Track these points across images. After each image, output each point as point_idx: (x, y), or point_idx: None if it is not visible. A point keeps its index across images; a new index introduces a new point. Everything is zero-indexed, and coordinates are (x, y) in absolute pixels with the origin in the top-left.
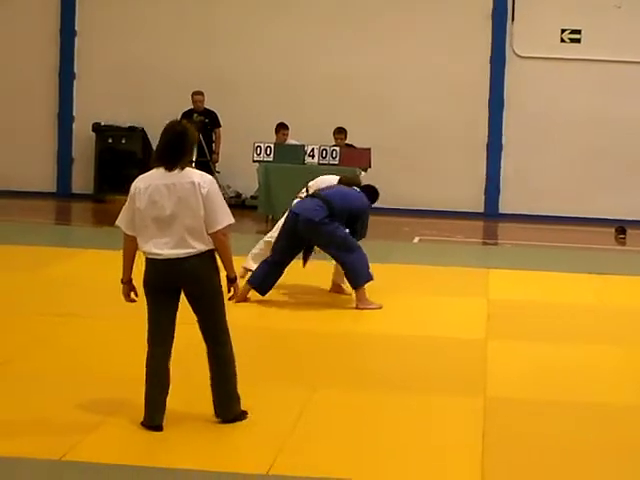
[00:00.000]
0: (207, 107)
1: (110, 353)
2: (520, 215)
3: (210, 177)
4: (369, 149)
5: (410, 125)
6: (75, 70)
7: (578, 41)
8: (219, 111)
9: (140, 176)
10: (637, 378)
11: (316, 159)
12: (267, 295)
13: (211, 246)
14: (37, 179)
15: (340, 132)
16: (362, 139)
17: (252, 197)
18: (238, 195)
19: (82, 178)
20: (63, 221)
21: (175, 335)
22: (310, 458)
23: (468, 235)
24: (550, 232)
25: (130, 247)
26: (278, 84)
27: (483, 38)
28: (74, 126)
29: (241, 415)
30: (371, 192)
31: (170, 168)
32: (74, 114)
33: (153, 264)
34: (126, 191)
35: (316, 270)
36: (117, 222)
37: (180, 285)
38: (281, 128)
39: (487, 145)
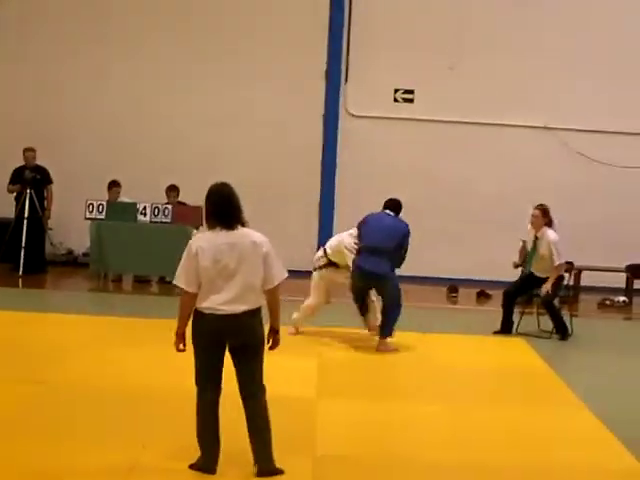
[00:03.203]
0: (38, 163)
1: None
2: None
3: (265, 237)
4: (200, 207)
5: (244, 182)
6: None
7: (411, 101)
8: (51, 167)
9: (197, 236)
10: (461, 434)
11: (148, 217)
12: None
13: (261, 303)
14: None
15: (172, 189)
16: (197, 196)
17: (84, 254)
18: (70, 252)
19: None
20: None
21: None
22: None
23: (302, 294)
24: None
25: (190, 304)
26: (110, 141)
27: (317, 97)
28: None
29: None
30: (397, 207)
31: (229, 228)
32: None
33: (209, 319)
34: None
35: None
36: (175, 281)
37: (229, 339)
38: (113, 186)
39: (319, 204)
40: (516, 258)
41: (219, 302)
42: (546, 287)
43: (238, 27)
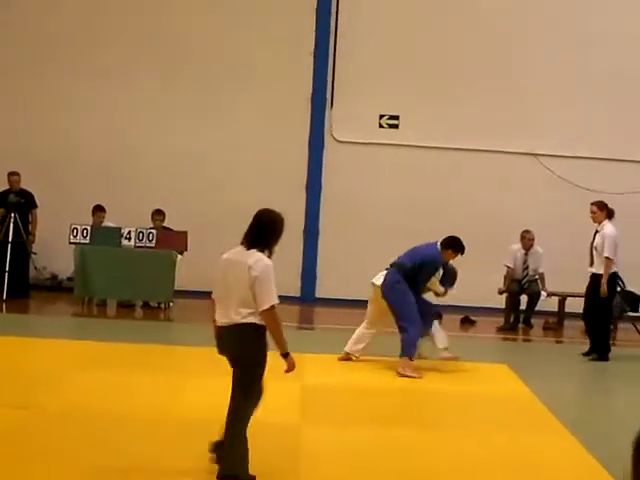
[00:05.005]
0: (23, 187)
1: None
2: (337, 300)
3: (267, 262)
4: (185, 232)
5: (229, 207)
6: None
7: (396, 127)
8: (35, 192)
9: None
10: (445, 461)
11: (132, 241)
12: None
13: (251, 320)
14: None
15: (158, 214)
16: (181, 221)
17: (68, 279)
18: (54, 277)
19: None
20: None
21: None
22: None
23: (284, 319)
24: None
25: (211, 307)
26: (95, 165)
27: (302, 123)
28: None
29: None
30: (446, 242)
31: (245, 247)
32: None
33: (214, 328)
34: None
35: None
36: None
37: (221, 350)
38: (97, 210)
39: (304, 230)
40: (501, 284)
41: (217, 313)
42: (602, 289)
43: (222, 55)
